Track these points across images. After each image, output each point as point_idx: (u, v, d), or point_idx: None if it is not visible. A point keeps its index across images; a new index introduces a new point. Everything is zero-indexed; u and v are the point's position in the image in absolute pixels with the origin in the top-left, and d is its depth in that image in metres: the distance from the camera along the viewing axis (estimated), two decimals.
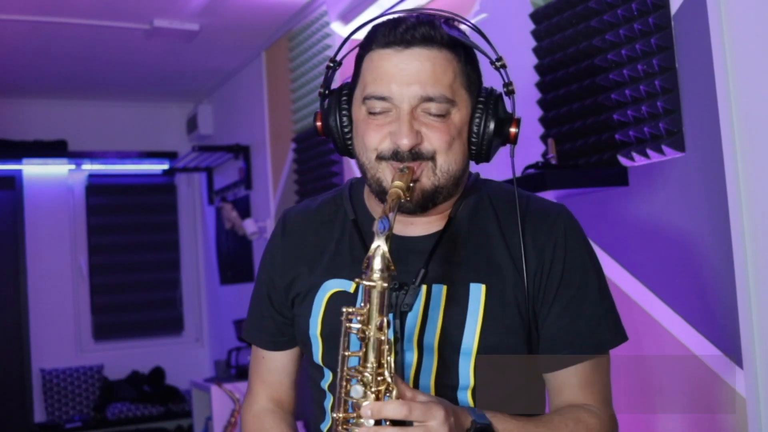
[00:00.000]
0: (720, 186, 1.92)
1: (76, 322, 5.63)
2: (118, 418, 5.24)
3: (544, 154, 2.44)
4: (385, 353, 1.03)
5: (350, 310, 1.05)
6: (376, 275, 1.02)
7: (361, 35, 1.25)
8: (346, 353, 1.07)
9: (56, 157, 5.50)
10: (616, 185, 2.24)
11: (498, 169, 1.52)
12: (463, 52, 1.19)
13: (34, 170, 5.59)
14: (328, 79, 1.27)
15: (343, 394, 1.06)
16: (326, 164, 3.96)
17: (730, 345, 1.93)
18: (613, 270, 2.29)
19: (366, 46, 1.20)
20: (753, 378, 1.84)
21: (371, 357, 1.03)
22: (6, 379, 5.47)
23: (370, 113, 1.18)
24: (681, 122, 2.05)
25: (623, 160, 2.23)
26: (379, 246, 1.02)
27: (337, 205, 1.33)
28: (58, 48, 4.44)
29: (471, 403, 1.21)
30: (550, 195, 2.37)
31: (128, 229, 5.85)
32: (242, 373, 4.61)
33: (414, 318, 1.20)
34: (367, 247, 1.22)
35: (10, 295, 5.53)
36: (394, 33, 1.15)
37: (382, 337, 1.03)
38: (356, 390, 1.04)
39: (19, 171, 5.56)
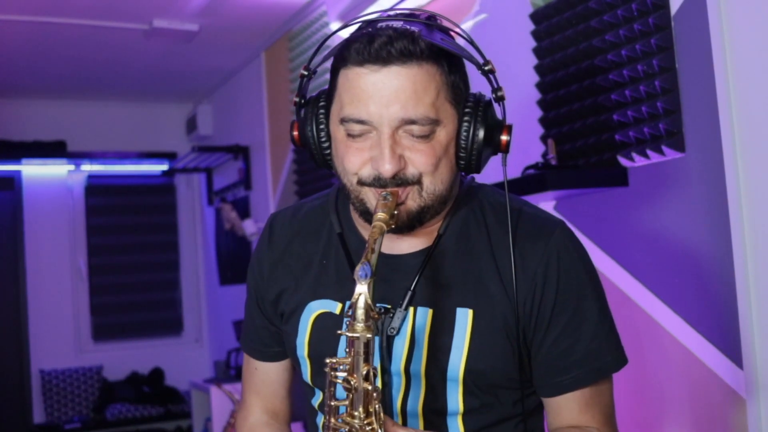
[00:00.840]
0: (720, 186, 1.92)
1: (76, 322, 5.63)
2: (118, 418, 5.24)
3: (544, 155, 2.43)
4: (374, 402, 1.00)
5: (333, 360, 1.01)
6: (359, 326, 0.97)
7: (346, 33, 1.16)
8: (332, 403, 1.03)
9: (55, 157, 5.49)
10: (616, 186, 2.24)
11: (493, 171, 1.51)
12: (446, 61, 1.09)
13: (33, 171, 5.59)
14: (302, 88, 1.18)
15: None
16: None
17: (730, 345, 1.93)
18: (612, 270, 2.29)
19: (340, 61, 1.10)
20: (753, 378, 1.84)
21: (359, 407, 0.99)
22: (5, 380, 5.47)
23: (349, 135, 1.09)
24: (681, 122, 2.05)
25: (623, 161, 2.23)
26: (362, 294, 0.97)
27: (324, 214, 1.27)
28: (58, 48, 4.44)
29: (461, 428, 1.17)
30: (549, 195, 2.37)
31: (127, 229, 5.85)
32: (241, 374, 4.59)
33: (401, 342, 1.15)
34: (352, 264, 1.19)
35: (10, 295, 5.52)
36: (369, 50, 1.05)
37: (369, 387, 0.99)
38: None
39: (19, 171, 5.56)
